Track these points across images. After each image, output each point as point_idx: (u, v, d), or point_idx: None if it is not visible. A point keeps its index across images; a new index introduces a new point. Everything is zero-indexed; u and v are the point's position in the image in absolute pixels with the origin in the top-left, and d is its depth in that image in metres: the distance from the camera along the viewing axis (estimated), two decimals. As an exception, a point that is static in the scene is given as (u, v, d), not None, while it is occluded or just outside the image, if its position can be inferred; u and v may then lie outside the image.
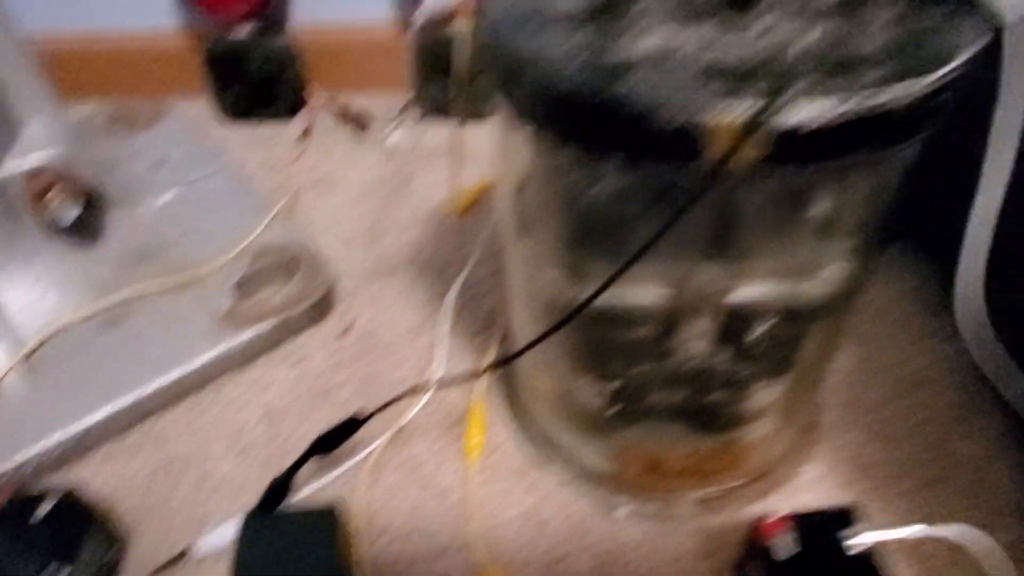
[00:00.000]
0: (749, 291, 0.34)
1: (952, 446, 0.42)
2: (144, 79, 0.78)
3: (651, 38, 0.26)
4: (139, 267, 0.54)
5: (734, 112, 0.23)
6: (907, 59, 0.25)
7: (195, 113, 0.76)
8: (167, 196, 0.61)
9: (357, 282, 0.55)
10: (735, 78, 0.24)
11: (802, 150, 0.24)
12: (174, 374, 0.47)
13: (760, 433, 0.41)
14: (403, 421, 0.45)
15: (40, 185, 0.49)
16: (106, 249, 0.55)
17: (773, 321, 0.35)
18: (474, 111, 0.70)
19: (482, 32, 0.29)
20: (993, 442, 0.42)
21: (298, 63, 0.74)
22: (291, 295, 0.52)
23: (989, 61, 0.27)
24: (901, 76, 0.24)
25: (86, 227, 0.53)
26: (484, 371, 0.46)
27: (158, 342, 0.49)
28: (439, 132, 0.70)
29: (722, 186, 0.25)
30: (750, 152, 0.24)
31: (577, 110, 0.25)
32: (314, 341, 0.51)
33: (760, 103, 0.23)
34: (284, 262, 0.54)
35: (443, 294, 0.53)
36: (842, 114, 0.23)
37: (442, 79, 0.70)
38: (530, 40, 0.27)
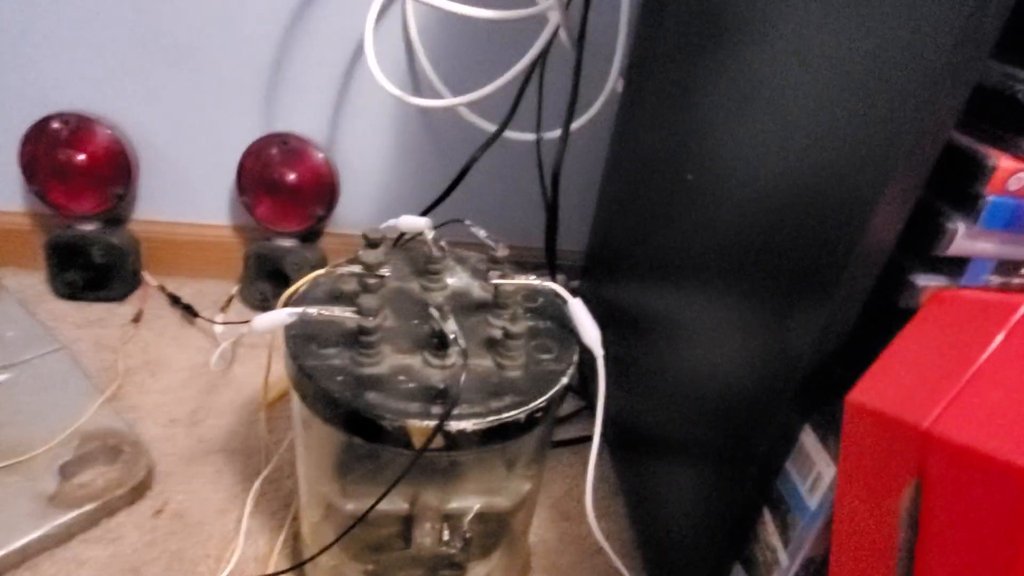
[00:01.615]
0: (460, 503, 0.51)
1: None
2: (-21, 250, 0.85)
3: (384, 363, 0.43)
4: (-34, 449, 0.61)
5: (426, 421, 0.40)
6: (530, 385, 0.44)
7: (29, 286, 0.84)
8: (0, 377, 0.68)
9: (175, 464, 0.66)
10: (429, 397, 0.42)
11: (465, 442, 0.41)
12: (-5, 555, 0.55)
13: (481, 596, 0.57)
14: (204, 593, 0.55)
15: None
16: (-66, 432, 0.62)
17: (478, 521, 0.52)
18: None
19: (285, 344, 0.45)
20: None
21: (135, 254, 0.85)
22: (112, 479, 0.61)
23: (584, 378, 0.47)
24: (525, 399, 0.43)
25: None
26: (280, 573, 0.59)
27: (-19, 524, 0.56)
28: (261, 323, 0.84)
29: (425, 459, 0.42)
30: (437, 443, 0.41)
31: (337, 409, 0.41)
32: (130, 520, 0.60)
33: (440, 415, 0.40)
34: (109, 446, 0.64)
35: (250, 477, 0.65)
36: (487, 425, 0.41)
37: (266, 280, 0.85)
38: (310, 358, 0.43)
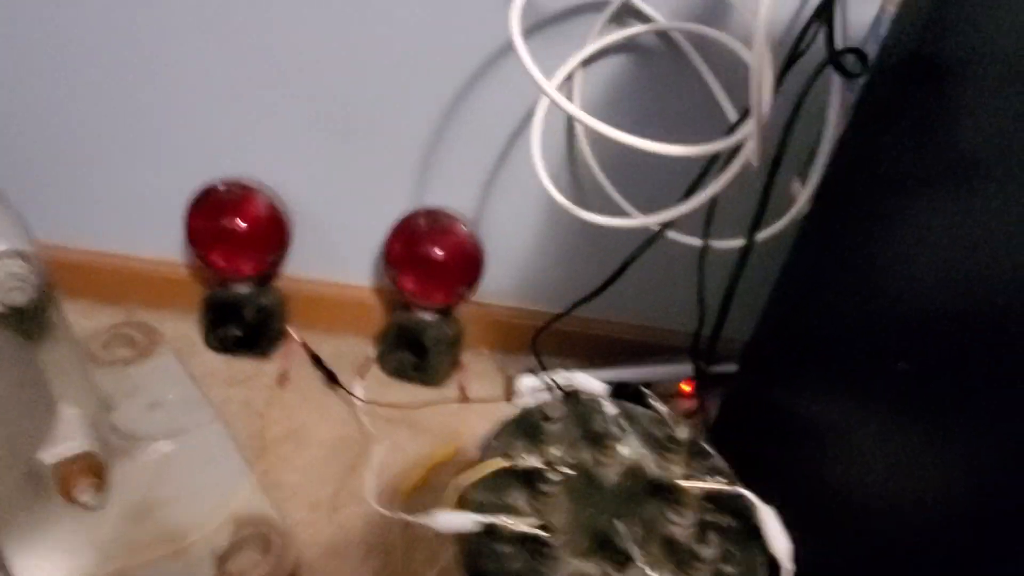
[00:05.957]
0: None
1: None
2: (145, 295, 0.89)
3: (562, 571, 0.41)
4: (136, 528, 0.64)
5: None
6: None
7: (183, 335, 0.87)
8: (161, 447, 0.71)
9: (317, 554, 0.67)
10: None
11: None
12: (159, 647, 0.57)
13: None
14: None
15: (70, 473, 0.59)
16: (108, 508, 0.65)
17: None
18: (430, 381, 0.85)
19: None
20: None
21: (283, 313, 0.87)
22: (265, 572, 0.63)
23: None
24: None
25: (99, 499, 0.63)
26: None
27: (148, 613, 0.59)
28: (400, 393, 0.84)
29: None
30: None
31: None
32: (279, 615, 0.62)
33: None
34: (260, 534, 0.66)
35: (387, 578, 0.65)
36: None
37: (405, 350, 0.85)
38: (488, 559, 0.41)
